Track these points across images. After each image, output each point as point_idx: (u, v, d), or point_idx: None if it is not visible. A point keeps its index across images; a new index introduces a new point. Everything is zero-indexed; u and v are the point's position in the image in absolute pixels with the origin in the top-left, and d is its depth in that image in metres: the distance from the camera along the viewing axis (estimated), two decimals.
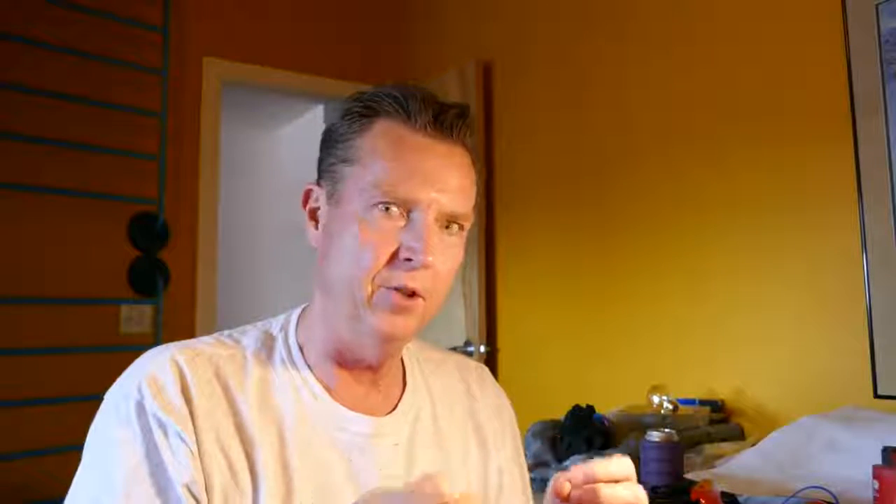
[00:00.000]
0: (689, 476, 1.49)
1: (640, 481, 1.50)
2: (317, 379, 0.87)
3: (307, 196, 0.90)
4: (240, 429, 0.80)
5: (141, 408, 0.77)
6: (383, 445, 0.87)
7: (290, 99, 3.92)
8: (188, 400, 0.78)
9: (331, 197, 0.85)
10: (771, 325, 1.95)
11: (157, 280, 2.86)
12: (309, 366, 0.87)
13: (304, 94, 3.55)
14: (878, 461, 1.19)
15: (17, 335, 2.56)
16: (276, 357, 0.87)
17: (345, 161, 0.84)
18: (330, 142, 0.87)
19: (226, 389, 0.81)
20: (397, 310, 0.81)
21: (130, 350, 2.84)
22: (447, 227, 0.84)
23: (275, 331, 0.90)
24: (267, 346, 0.88)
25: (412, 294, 0.81)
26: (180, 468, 0.75)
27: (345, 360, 0.87)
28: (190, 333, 2.92)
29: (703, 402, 1.99)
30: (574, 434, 1.71)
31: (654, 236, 2.28)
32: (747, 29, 2.05)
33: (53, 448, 2.38)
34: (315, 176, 0.90)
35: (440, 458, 0.91)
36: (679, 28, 2.25)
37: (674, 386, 2.00)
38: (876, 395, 1.73)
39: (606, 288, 2.41)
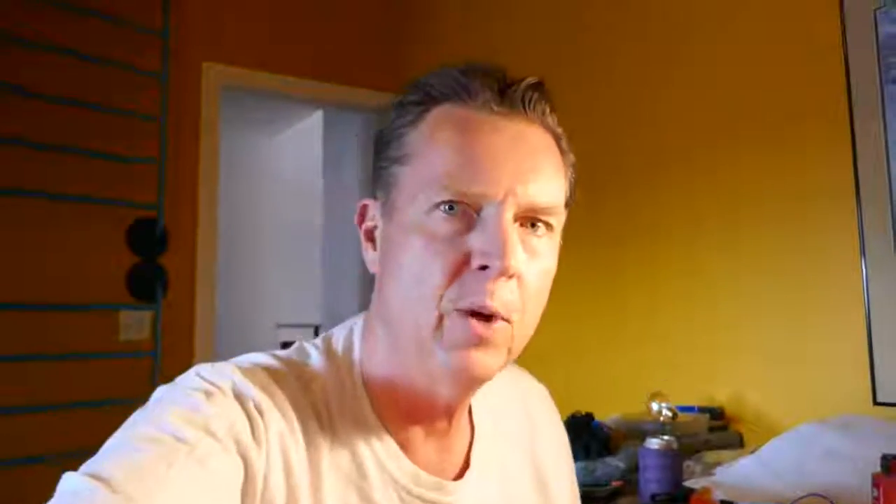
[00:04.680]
0: (687, 483, 1.49)
1: (638, 488, 1.51)
2: (387, 430, 0.72)
3: (363, 213, 0.76)
4: (313, 467, 0.68)
5: (224, 423, 0.63)
6: None
7: (290, 104, 3.92)
8: (262, 439, 0.65)
9: (384, 208, 0.71)
10: (770, 333, 1.94)
11: (157, 286, 2.86)
12: (376, 411, 0.72)
13: (304, 99, 3.55)
14: (877, 469, 1.18)
15: (15, 341, 2.55)
16: (346, 394, 0.73)
17: (397, 161, 0.70)
18: (382, 143, 0.73)
19: (304, 426, 0.69)
20: (475, 342, 0.65)
21: (129, 357, 2.86)
22: (532, 226, 0.68)
23: (338, 354, 0.75)
24: (337, 377, 0.73)
25: (492, 317, 0.65)
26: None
27: (415, 410, 0.73)
28: (189, 340, 2.92)
29: (702, 410, 1.98)
30: (573, 441, 1.70)
31: (654, 244, 2.27)
32: (746, 35, 2.05)
33: (52, 455, 2.37)
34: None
35: None
36: (677, 34, 2.25)
37: (673, 393, 1.99)
38: (875, 403, 1.72)
39: (606, 294, 2.40)
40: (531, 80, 0.71)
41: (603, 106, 2.45)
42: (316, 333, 4.37)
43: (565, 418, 1.84)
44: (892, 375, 1.71)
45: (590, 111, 2.48)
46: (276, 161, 5.01)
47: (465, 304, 0.64)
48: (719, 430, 1.94)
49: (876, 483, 1.12)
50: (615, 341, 2.35)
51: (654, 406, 1.91)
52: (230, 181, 3.53)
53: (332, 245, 3.77)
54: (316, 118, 4.22)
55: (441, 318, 0.65)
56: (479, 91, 0.68)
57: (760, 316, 1.97)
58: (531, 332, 0.70)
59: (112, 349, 2.74)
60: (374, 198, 0.74)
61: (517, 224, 0.67)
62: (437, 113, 0.69)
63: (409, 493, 0.71)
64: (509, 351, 0.68)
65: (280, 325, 4.83)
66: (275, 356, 0.73)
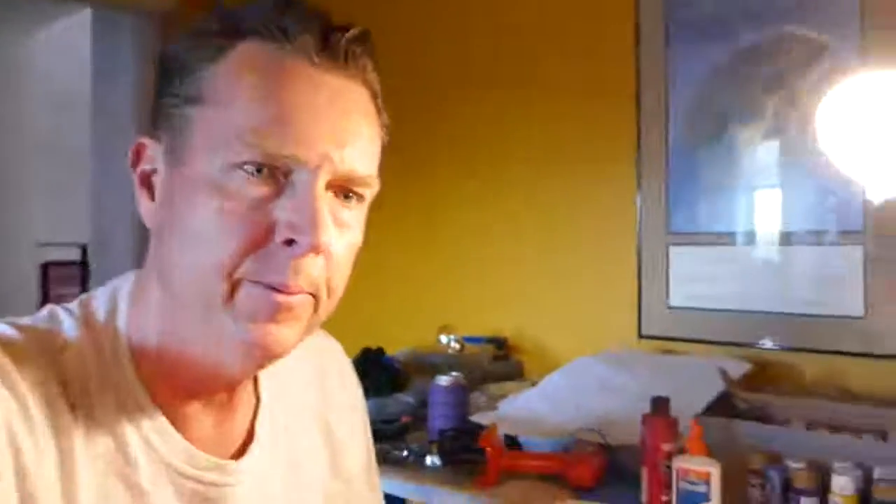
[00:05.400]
0: (474, 417, 1.55)
1: (428, 424, 1.55)
2: (156, 404, 0.63)
3: (138, 153, 0.64)
4: (63, 455, 0.58)
5: None
6: (238, 494, 0.66)
7: None
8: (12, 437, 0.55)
9: (170, 153, 0.61)
10: (555, 269, 2.04)
11: None
12: (145, 383, 0.63)
13: None
14: (641, 398, 1.29)
15: None
16: (107, 366, 0.62)
17: (191, 100, 0.59)
18: (170, 73, 0.61)
19: (48, 408, 0.58)
20: (274, 314, 0.58)
21: None
22: (345, 197, 0.61)
23: (99, 321, 0.64)
24: (95, 346, 0.63)
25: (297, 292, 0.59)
26: None
27: (194, 383, 0.64)
28: None
29: (488, 341, 2.06)
30: (363, 378, 1.70)
31: (445, 177, 2.29)
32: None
33: None
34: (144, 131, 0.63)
35: (295, 492, 0.74)
36: None
37: (464, 324, 2.05)
38: (640, 336, 1.89)
39: (397, 226, 2.39)
40: (357, 30, 0.62)
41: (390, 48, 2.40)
42: (84, 253, 4.01)
43: (356, 354, 1.84)
44: (655, 312, 1.87)
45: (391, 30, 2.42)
46: (36, 63, 4.44)
47: (266, 279, 0.57)
48: (502, 360, 2.03)
49: (643, 421, 1.22)
50: (408, 276, 2.37)
51: (443, 339, 1.96)
52: None
53: (104, 157, 3.43)
54: (84, 17, 3.76)
55: (234, 288, 0.57)
56: (298, 34, 0.59)
57: (548, 252, 2.06)
58: (334, 307, 0.64)
59: None
60: (154, 137, 0.63)
61: (330, 193, 0.59)
62: (245, 50, 0.59)
63: (182, 475, 0.63)
64: (308, 326, 0.62)
65: (42, 244, 4.37)
66: (14, 325, 0.62)
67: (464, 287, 2.21)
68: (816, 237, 1.67)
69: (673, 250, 1.86)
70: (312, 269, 0.58)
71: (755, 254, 1.76)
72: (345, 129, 0.59)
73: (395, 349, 1.95)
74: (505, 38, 2.17)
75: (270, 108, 0.57)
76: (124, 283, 0.67)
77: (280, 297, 0.58)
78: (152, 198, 0.63)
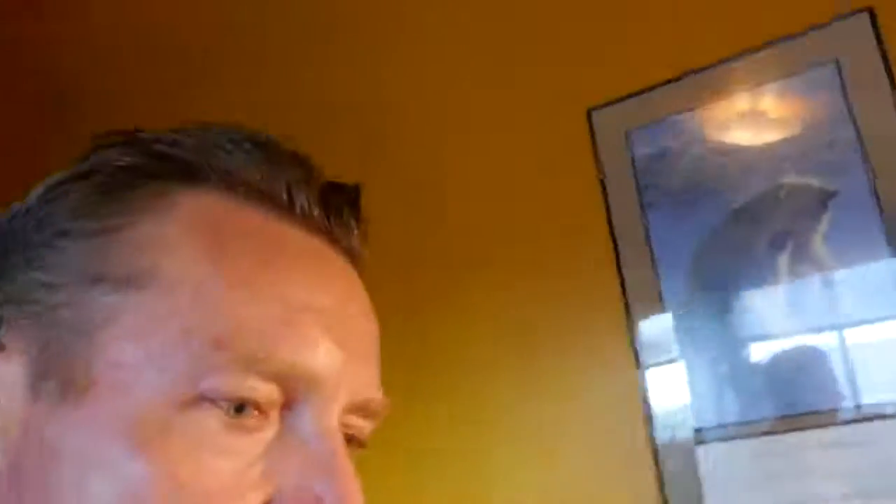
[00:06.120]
0: None
1: None
2: None
3: None
4: None
5: None
6: None
7: None
8: None
9: (45, 375, 0.35)
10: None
11: None
12: None
13: None
14: None
15: None
16: None
17: (100, 278, 0.35)
18: (50, 225, 0.37)
19: None
20: None
21: None
22: (348, 438, 0.41)
23: None
24: None
25: None
26: None
27: None
28: None
29: None
30: None
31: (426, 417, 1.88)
32: (503, 173, 1.85)
33: None
34: None
35: None
36: (427, 171, 1.99)
37: None
38: None
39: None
40: (353, 185, 0.42)
41: None
42: None
43: None
44: None
45: None
46: None
47: None
48: None
49: None
50: None
51: None
52: None
53: None
54: None
55: None
56: (294, 187, 0.38)
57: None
58: None
59: None
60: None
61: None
62: (201, 203, 0.37)
63: None
64: None
65: None
66: None
67: None
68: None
69: (699, 451, 1.52)
70: None
71: (811, 439, 1.43)
72: (362, 330, 0.40)
73: None
74: (462, 227, 1.88)
75: (268, 298, 0.35)
76: None
77: None
78: None
